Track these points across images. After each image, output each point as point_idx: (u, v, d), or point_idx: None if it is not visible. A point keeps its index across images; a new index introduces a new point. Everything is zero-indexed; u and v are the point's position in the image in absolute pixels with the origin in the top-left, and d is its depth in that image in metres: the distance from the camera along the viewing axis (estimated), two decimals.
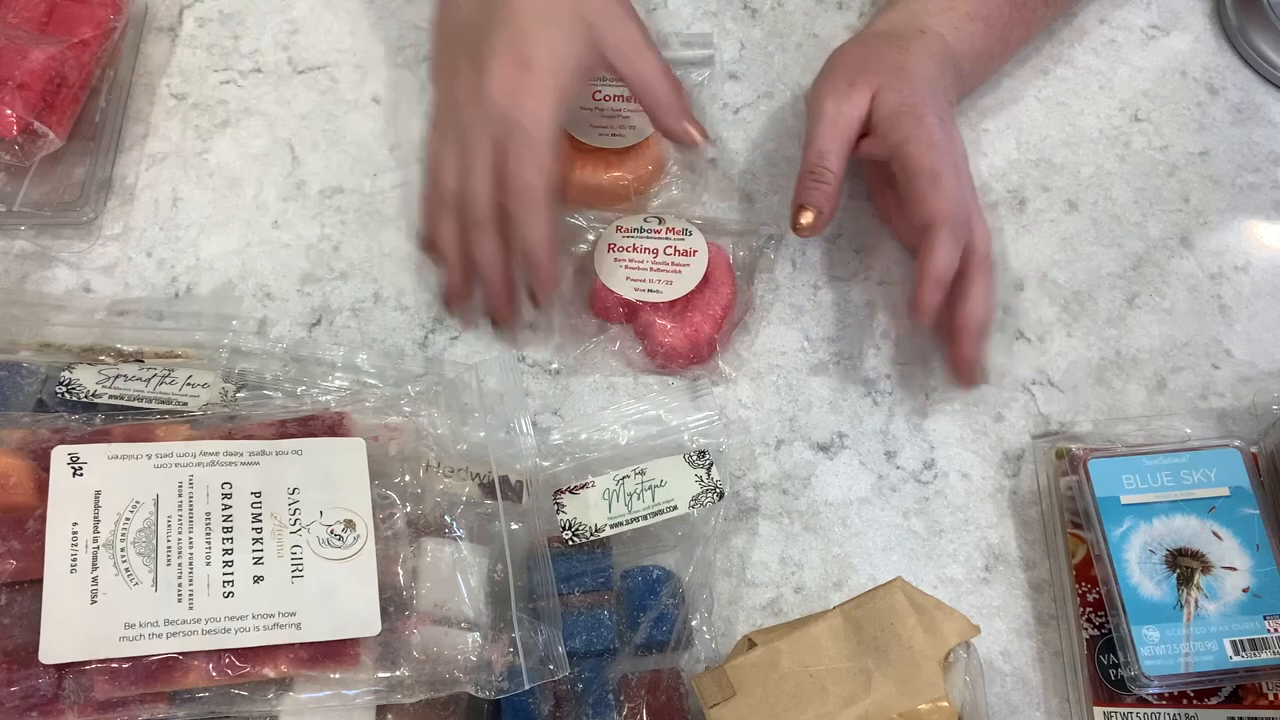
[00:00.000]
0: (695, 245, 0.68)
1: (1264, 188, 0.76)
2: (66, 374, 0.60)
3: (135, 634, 0.51)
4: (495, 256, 0.63)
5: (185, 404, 0.60)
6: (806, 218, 0.64)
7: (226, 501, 0.55)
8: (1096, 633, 0.61)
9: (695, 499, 0.61)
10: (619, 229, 0.69)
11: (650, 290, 0.67)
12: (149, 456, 0.55)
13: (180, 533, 0.54)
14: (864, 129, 0.65)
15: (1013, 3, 0.71)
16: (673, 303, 0.67)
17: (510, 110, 0.59)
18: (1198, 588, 0.60)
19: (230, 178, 0.73)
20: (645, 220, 0.70)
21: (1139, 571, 0.60)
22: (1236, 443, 0.63)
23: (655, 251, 0.68)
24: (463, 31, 0.62)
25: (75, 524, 0.52)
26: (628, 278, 0.68)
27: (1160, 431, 0.67)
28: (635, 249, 0.68)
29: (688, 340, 0.67)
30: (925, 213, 0.62)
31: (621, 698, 0.57)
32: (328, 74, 0.77)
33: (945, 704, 0.52)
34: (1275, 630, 0.58)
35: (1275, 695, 0.60)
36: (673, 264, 0.68)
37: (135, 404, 0.59)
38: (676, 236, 0.69)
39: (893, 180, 0.65)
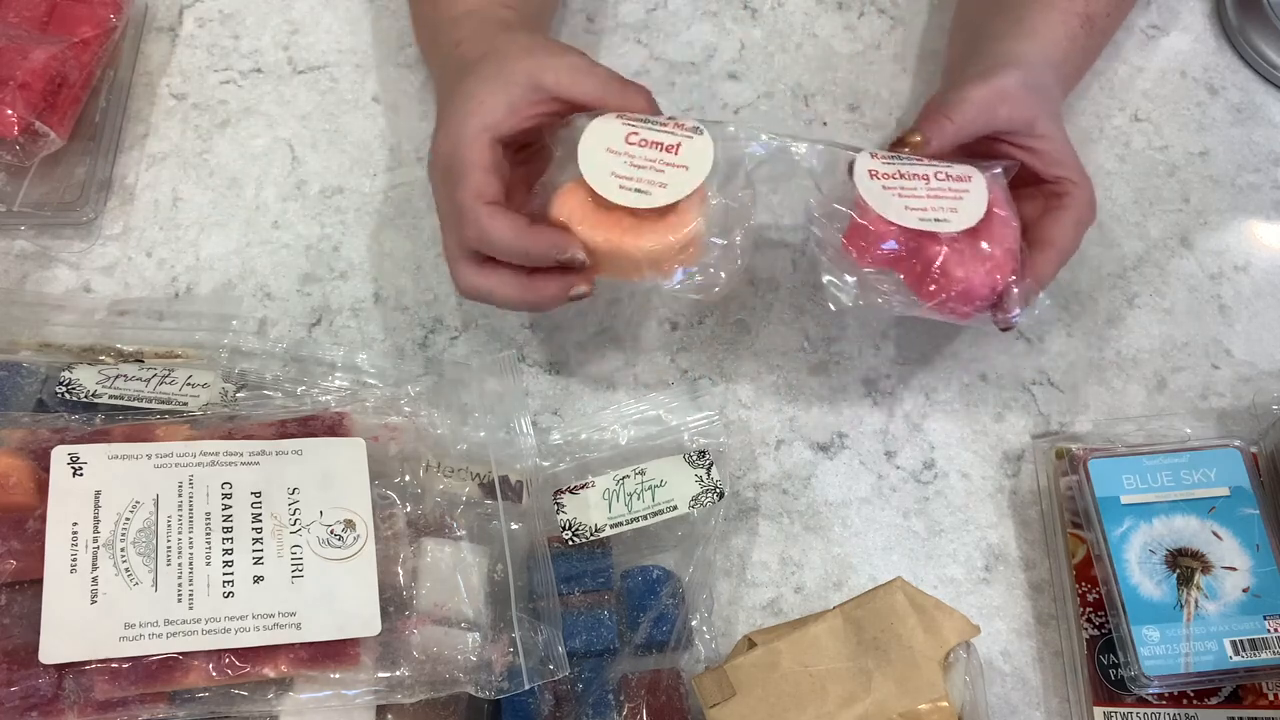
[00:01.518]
0: (968, 172, 0.59)
1: (1264, 188, 0.76)
2: (66, 374, 0.60)
3: (135, 634, 0.51)
4: (493, 284, 0.59)
5: (185, 404, 0.60)
6: (914, 137, 0.60)
7: (226, 501, 0.55)
8: (1096, 633, 0.61)
9: (695, 499, 0.61)
10: (873, 154, 0.58)
11: (936, 219, 0.57)
12: (149, 456, 0.55)
13: (180, 533, 0.54)
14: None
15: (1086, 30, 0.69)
16: (958, 236, 0.57)
17: (445, 161, 0.58)
18: (1198, 588, 0.60)
19: (230, 178, 0.74)
20: (893, 149, 0.60)
21: (1139, 571, 0.60)
22: (1236, 443, 0.63)
23: (926, 178, 0.58)
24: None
25: (75, 524, 0.52)
26: (906, 206, 0.57)
27: (1160, 431, 0.67)
28: (902, 175, 0.58)
29: (988, 276, 0.57)
30: (1062, 246, 0.61)
31: (621, 698, 0.57)
32: (328, 74, 0.77)
33: (945, 704, 0.52)
34: (1275, 630, 0.58)
35: (1275, 695, 0.60)
36: (951, 190, 0.58)
37: (135, 404, 0.59)
38: (942, 163, 0.59)
39: None
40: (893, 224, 0.57)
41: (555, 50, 0.60)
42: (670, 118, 0.59)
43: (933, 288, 0.58)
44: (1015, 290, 0.58)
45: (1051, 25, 0.66)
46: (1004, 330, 0.61)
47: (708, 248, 0.57)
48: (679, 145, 0.57)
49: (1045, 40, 0.65)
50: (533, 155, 0.61)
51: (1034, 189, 0.63)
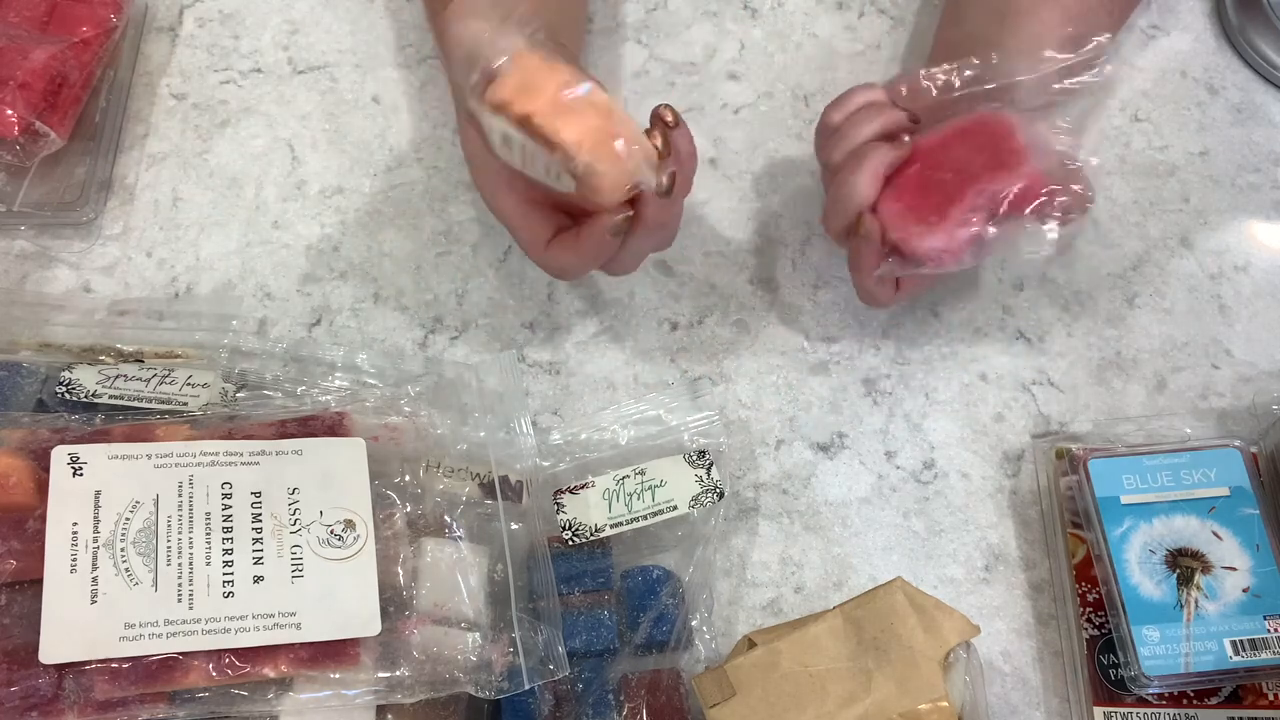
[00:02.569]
0: None
1: (1264, 188, 0.76)
2: (66, 374, 0.60)
3: (135, 634, 0.51)
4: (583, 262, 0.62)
5: (185, 404, 0.60)
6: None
7: (226, 501, 0.55)
8: (1096, 633, 0.61)
9: (695, 499, 0.61)
10: None
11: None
12: (149, 456, 0.55)
13: (180, 533, 0.54)
14: None
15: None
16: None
17: (489, 204, 0.62)
18: (1198, 588, 0.60)
19: (230, 178, 0.74)
20: None
21: (1139, 571, 0.60)
22: (1236, 443, 0.63)
23: None
24: None
25: (75, 524, 0.52)
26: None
27: (1160, 431, 0.67)
28: None
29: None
30: None
31: (621, 698, 0.57)
32: (328, 74, 0.77)
33: (945, 704, 0.52)
34: (1275, 630, 0.58)
35: (1275, 695, 0.60)
36: None
37: (135, 404, 0.59)
38: None
39: None
40: None
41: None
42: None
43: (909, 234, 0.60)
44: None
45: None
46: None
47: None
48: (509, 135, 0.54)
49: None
50: None
51: None
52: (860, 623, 0.54)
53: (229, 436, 0.57)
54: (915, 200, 0.60)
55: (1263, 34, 0.78)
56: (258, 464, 0.56)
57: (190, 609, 0.52)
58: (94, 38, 0.71)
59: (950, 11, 0.75)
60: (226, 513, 0.55)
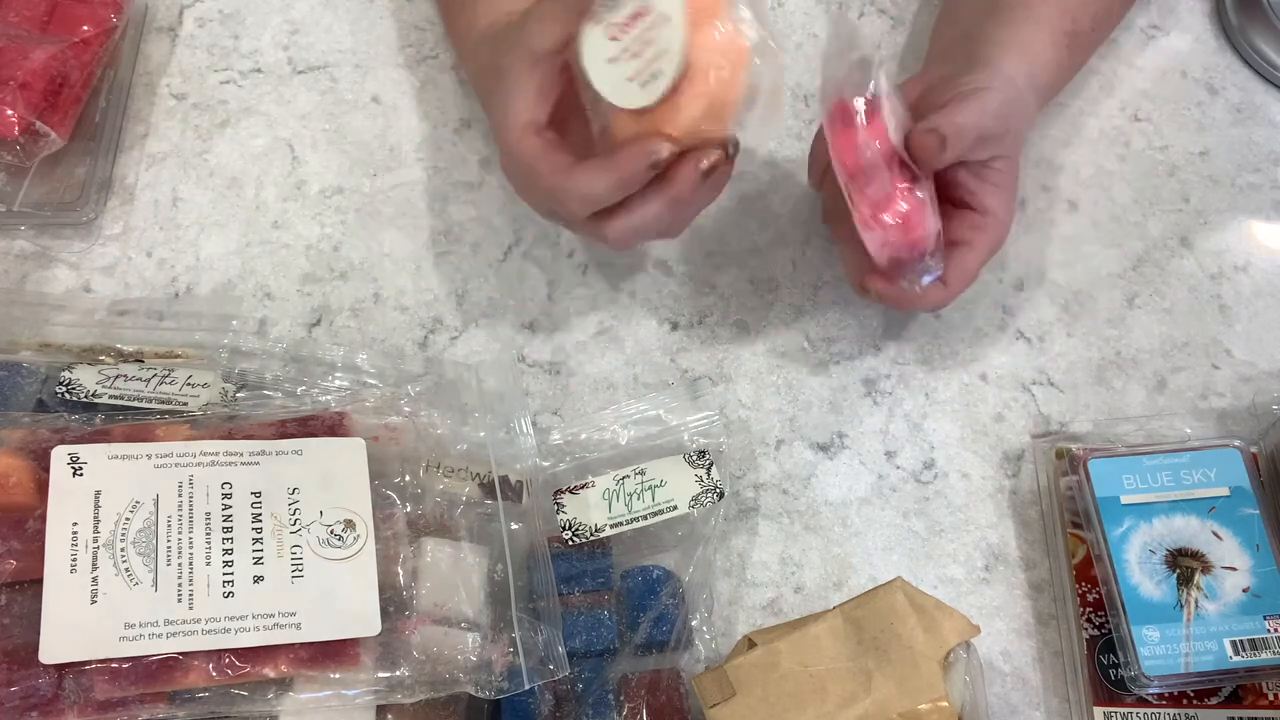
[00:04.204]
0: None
1: (1264, 188, 0.76)
2: (66, 374, 0.60)
3: (135, 634, 0.51)
4: (635, 216, 0.59)
5: (185, 404, 0.60)
6: (933, 140, 0.60)
7: (226, 501, 0.55)
8: (1096, 633, 0.61)
9: (695, 499, 0.61)
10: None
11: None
12: (149, 456, 0.55)
13: (180, 533, 0.54)
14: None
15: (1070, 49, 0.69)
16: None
17: (512, 164, 0.60)
18: (1198, 588, 0.60)
19: (230, 178, 0.74)
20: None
21: (1139, 571, 0.60)
22: (1236, 443, 0.63)
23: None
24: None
25: (75, 524, 0.53)
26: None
27: (1160, 431, 0.67)
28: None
29: (931, 228, 0.60)
30: (954, 287, 0.63)
31: (621, 698, 0.57)
32: (328, 74, 0.77)
33: (945, 704, 0.52)
34: (1275, 630, 0.58)
35: (1275, 695, 0.60)
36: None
37: (135, 404, 0.59)
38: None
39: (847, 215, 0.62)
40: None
41: (549, 15, 0.59)
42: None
43: (888, 211, 0.59)
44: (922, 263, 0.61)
45: (1039, 43, 0.67)
46: (866, 292, 0.63)
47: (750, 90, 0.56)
48: (648, 6, 0.55)
49: (1031, 55, 0.66)
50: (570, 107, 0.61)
51: (956, 212, 0.63)
52: (860, 623, 0.54)
53: (229, 436, 0.57)
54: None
55: (1263, 34, 0.78)
56: (258, 464, 0.56)
57: (190, 609, 0.52)
58: (94, 38, 0.71)
59: (946, 9, 0.75)
60: (226, 513, 0.55)
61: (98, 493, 0.53)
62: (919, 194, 0.59)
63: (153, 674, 0.51)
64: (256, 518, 0.55)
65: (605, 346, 0.70)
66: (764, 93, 0.56)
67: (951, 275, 0.63)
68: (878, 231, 0.59)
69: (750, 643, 0.55)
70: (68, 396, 0.59)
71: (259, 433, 0.58)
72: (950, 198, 0.64)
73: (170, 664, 0.51)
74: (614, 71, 0.56)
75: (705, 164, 0.56)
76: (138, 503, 0.54)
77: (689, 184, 0.56)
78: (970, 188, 0.63)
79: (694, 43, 0.54)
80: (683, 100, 0.55)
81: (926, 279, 0.62)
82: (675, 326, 0.71)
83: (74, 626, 0.51)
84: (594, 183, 0.56)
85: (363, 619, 0.54)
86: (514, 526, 0.59)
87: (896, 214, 0.59)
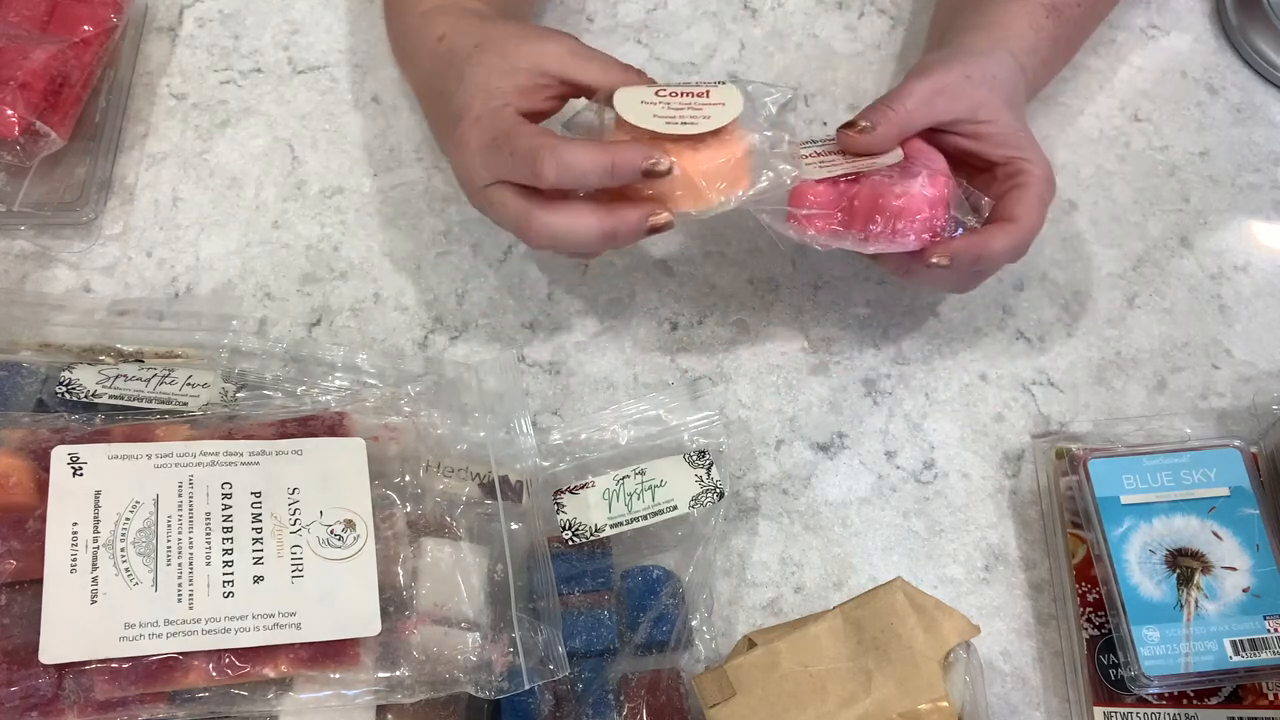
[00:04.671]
0: (706, 86, 0.60)
1: (1264, 188, 0.76)
2: (66, 374, 0.60)
3: (135, 634, 0.51)
4: (574, 218, 0.58)
5: (185, 404, 0.60)
6: (859, 123, 0.60)
7: (226, 501, 0.55)
8: (1096, 633, 0.61)
9: (695, 499, 0.61)
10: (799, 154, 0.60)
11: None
12: (149, 456, 0.55)
13: (180, 533, 0.54)
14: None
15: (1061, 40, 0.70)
16: (888, 169, 0.60)
17: (481, 140, 0.58)
18: (1198, 588, 0.60)
19: (230, 178, 0.74)
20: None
21: (1139, 571, 0.60)
22: (1236, 443, 0.63)
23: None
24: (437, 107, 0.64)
25: (75, 524, 0.52)
26: (821, 164, 0.60)
27: (1160, 431, 0.67)
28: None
29: (929, 184, 0.59)
30: (1026, 224, 0.62)
31: (621, 698, 0.57)
32: (328, 74, 0.77)
33: (945, 704, 0.52)
34: (1275, 630, 0.58)
35: (1275, 695, 0.60)
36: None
37: (135, 404, 0.59)
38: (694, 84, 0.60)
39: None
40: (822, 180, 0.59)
41: (550, 35, 0.61)
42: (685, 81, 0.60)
43: (883, 217, 0.59)
44: (950, 220, 0.60)
45: (1013, 16, 0.66)
46: (932, 265, 0.61)
47: (760, 162, 0.58)
48: (707, 91, 0.58)
49: (1006, 32, 0.66)
50: None
51: (989, 174, 0.63)
52: (860, 623, 0.54)
53: (229, 436, 0.57)
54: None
55: (1263, 34, 0.78)
56: (258, 464, 0.56)
57: (190, 609, 0.52)
58: (94, 38, 0.71)
59: (932, 17, 0.75)
60: (226, 513, 0.55)
61: (98, 493, 0.53)
62: (888, 181, 0.59)
63: (153, 674, 0.51)
64: (256, 518, 0.55)
65: (605, 346, 0.70)
66: (764, 200, 0.59)
67: (1018, 211, 0.61)
68: (883, 240, 0.60)
69: (750, 643, 0.55)
70: (68, 396, 0.59)
71: (259, 433, 0.58)
72: (972, 166, 0.64)
73: (170, 664, 0.51)
74: (643, 109, 0.57)
75: (653, 221, 0.57)
76: (138, 503, 0.54)
77: (629, 228, 0.57)
78: (972, 150, 0.63)
79: (730, 127, 0.57)
80: (705, 147, 0.56)
81: (959, 231, 0.60)
82: (675, 326, 0.71)
83: (74, 626, 0.51)
84: (582, 154, 0.55)
85: (363, 619, 0.54)
86: (514, 526, 0.59)
87: (885, 218, 0.59)
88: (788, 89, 0.61)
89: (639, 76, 0.60)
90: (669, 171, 0.55)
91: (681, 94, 0.58)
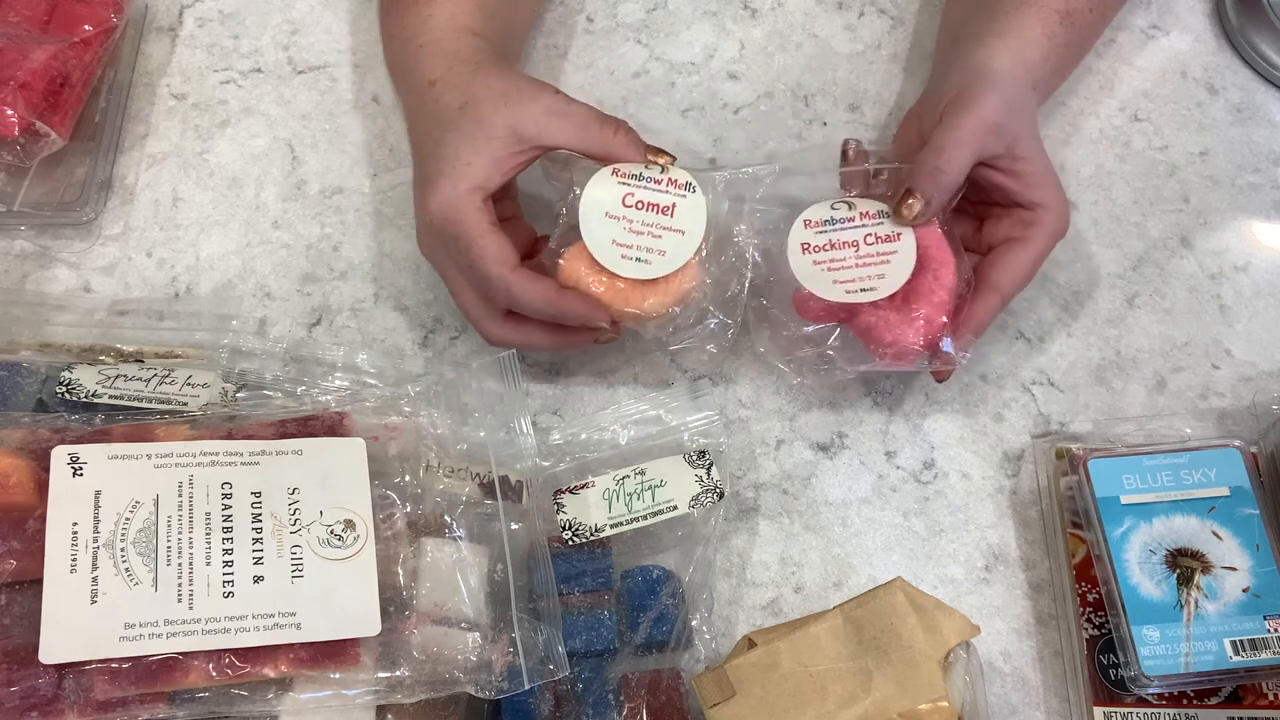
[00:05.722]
0: (897, 230, 0.61)
1: (1264, 188, 0.76)
2: (66, 374, 0.60)
3: (135, 634, 0.51)
4: (526, 337, 0.63)
5: (185, 404, 0.60)
6: (914, 205, 0.61)
7: (226, 501, 0.55)
8: (1096, 633, 0.61)
9: (695, 499, 0.61)
10: (807, 223, 0.62)
11: (863, 289, 0.61)
12: (149, 456, 0.55)
13: (180, 533, 0.54)
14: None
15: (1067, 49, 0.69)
16: (892, 296, 0.61)
17: (442, 226, 0.60)
18: (1198, 588, 0.60)
19: (230, 178, 0.74)
20: (834, 207, 0.62)
21: (1139, 571, 0.60)
22: (1236, 443, 0.63)
23: (856, 245, 0.61)
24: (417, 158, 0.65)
25: (75, 524, 0.53)
26: (834, 280, 0.61)
27: (1160, 431, 0.67)
28: (833, 245, 0.61)
29: (916, 335, 0.60)
30: (1006, 291, 0.63)
31: (621, 698, 0.57)
32: (328, 74, 0.77)
33: (945, 704, 0.52)
34: (1275, 630, 0.58)
35: (1275, 695, 0.60)
36: (879, 255, 0.61)
37: (135, 404, 0.59)
38: (874, 221, 0.62)
39: None
40: (822, 300, 0.61)
41: (530, 93, 0.61)
42: (663, 169, 0.61)
43: (872, 347, 0.62)
44: (947, 345, 0.61)
45: (1028, 23, 0.66)
46: (940, 381, 0.66)
47: (704, 311, 0.62)
48: (673, 206, 0.61)
49: (1022, 40, 0.66)
50: (504, 193, 0.63)
51: (1005, 211, 0.64)
52: (860, 623, 0.54)
53: (229, 436, 0.57)
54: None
55: (1263, 34, 0.78)
56: (258, 464, 0.56)
57: (190, 609, 0.52)
58: (94, 37, 0.71)
59: (942, 16, 0.75)
60: (226, 513, 0.55)
61: (98, 493, 0.53)
62: (881, 311, 0.61)
63: (153, 674, 0.51)
64: (256, 518, 0.55)
65: (605, 346, 0.70)
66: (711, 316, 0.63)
67: (1001, 278, 0.62)
68: (882, 355, 0.62)
69: (750, 643, 0.55)
70: (68, 396, 0.59)
71: (259, 433, 0.58)
72: (994, 200, 0.65)
73: (170, 664, 0.51)
74: (607, 227, 0.60)
75: (601, 339, 0.63)
76: (138, 503, 0.54)
77: (581, 342, 0.63)
78: (1005, 187, 0.63)
79: (690, 262, 0.61)
80: (651, 293, 0.61)
81: (951, 365, 0.62)
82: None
83: (74, 626, 0.51)
84: (533, 294, 0.59)
85: (363, 619, 0.54)
86: (514, 526, 0.59)
87: (874, 347, 0.62)
88: (772, 167, 0.64)
89: (614, 133, 0.61)
90: (610, 339, 0.63)
91: (649, 206, 0.61)
